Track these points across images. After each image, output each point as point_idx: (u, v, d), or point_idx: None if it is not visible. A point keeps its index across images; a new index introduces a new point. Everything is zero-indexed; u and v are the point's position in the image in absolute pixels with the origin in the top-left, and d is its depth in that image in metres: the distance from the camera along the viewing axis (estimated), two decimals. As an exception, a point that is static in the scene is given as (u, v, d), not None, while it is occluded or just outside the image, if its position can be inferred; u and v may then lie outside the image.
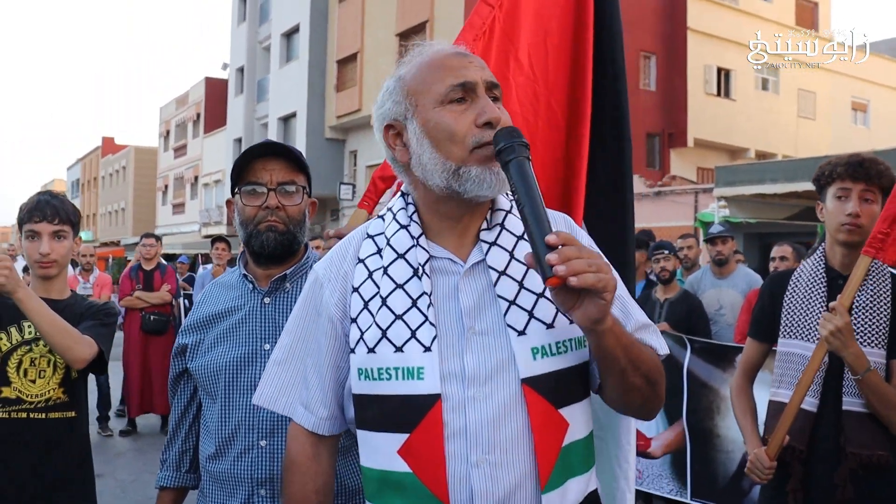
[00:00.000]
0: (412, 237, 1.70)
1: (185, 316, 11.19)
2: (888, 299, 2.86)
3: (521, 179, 1.51)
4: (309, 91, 33.28)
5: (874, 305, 2.86)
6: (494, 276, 1.66)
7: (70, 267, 9.38)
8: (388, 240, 1.72)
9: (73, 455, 3.07)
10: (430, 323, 1.62)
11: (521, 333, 1.62)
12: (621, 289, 1.70)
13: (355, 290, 1.71)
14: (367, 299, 1.69)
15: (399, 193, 1.80)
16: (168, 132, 53.73)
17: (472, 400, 1.60)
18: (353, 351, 1.68)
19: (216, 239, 10.34)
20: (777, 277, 3.23)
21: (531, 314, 1.63)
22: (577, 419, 1.66)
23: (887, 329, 2.84)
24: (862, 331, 2.84)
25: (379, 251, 1.73)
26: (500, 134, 1.57)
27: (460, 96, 1.64)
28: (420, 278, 1.65)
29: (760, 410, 3.16)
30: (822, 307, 2.93)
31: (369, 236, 1.78)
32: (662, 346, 1.78)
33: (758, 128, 29.85)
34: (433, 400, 1.59)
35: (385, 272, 1.69)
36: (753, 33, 29.25)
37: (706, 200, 20.32)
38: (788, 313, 3.03)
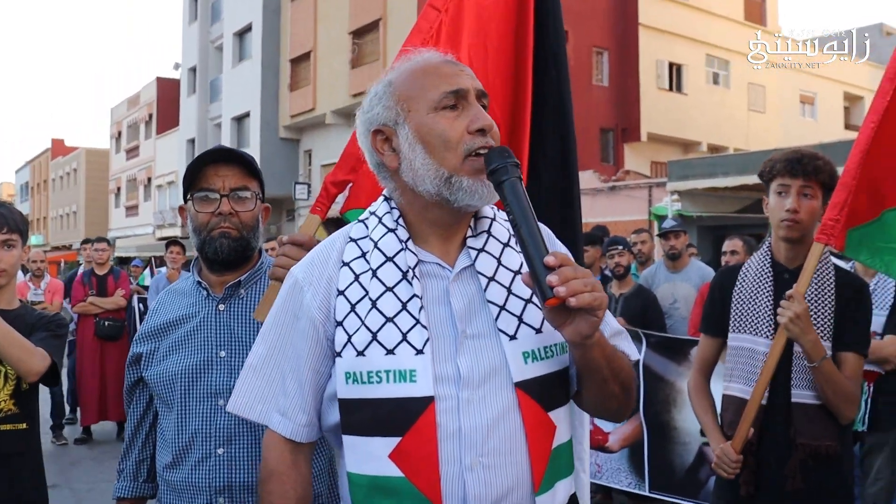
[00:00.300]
0: (400, 241, 1.70)
1: (140, 320, 11.11)
2: (832, 292, 2.92)
3: (515, 200, 1.55)
4: (262, 90, 33.03)
5: (819, 298, 2.92)
6: (484, 281, 1.68)
7: (20, 273, 9.19)
8: (376, 243, 1.71)
9: (27, 468, 3.02)
10: (422, 325, 1.62)
11: (513, 338, 1.65)
12: None
13: (341, 293, 1.69)
14: (353, 302, 1.67)
15: (382, 198, 1.79)
16: (120, 133, 52.96)
17: (467, 403, 1.60)
18: (339, 355, 1.65)
19: (170, 242, 10.24)
20: (726, 272, 3.28)
21: (521, 319, 1.66)
22: (563, 422, 1.70)
23: (832, 321, 2.90)
24: None
25: (364, 255, 1.72)
26: (493, 154, 1.61)
27: (453, 103, 1.66)
28: (410, 282, 1.65)
29: (719, 403, 3.20)
30: (769, 301, 2.98)
31: (352, 240, 1.76)
32: (634, 353, 1.83)
33: (709, 121, 30.24)
34: (426, 402, 1.59)
35: (374, 275, 1.68)
36: (703, 28, 29.72)
37: (660, 194, 20.55)
38: (737, 308, 3.07)
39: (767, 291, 3.01)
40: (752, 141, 30.09)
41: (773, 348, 2.86)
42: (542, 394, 1.65)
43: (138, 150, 49.29)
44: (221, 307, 2.33)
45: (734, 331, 3.06)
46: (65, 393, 9.74)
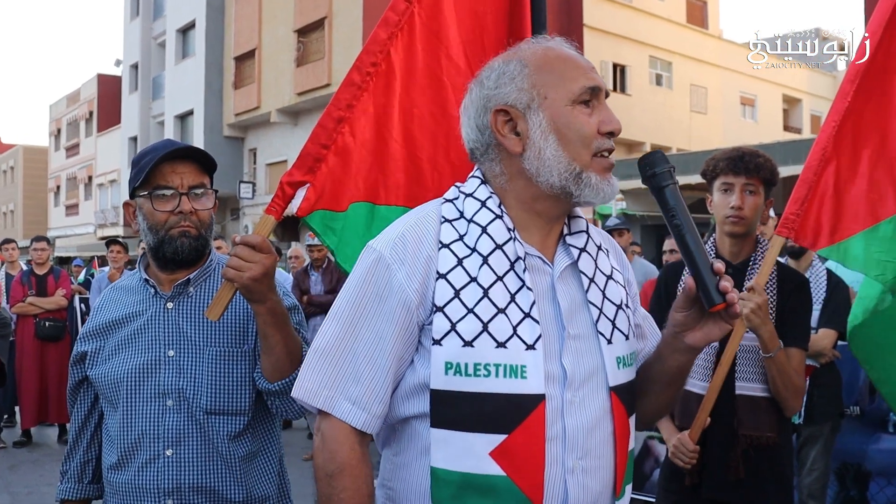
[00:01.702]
0: (508, 229, 1.64)
1: (82, 320, 10.90)
2: (774, 287, 3.01)
3: (679, 206, 1.60)
4: (206, 88, 32.68)
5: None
6: (586, 282, 1.67)
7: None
8: (485, 228, 1.63)
9: None
10: (534, 320, 1.57)
11: (609, 342, 1.65)
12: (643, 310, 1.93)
13: (442, 276, 1.59)
14: (458, 288, 1.58)
15: (477, 180, 1.71)
16: (59, 131, 51.92)
17: (570, 404, 1.59)
18: (438, 343, 1.56)
19: (111, 241, 10.08)
20: (671, 268, 3.35)
21: (614, 324, 1.68)
22: (633, 428, 1.74)
23: (774, 316, 2.98)
24: None
25: (461, 237, 1.63)
26: (655, 158, 1.64)
27: (588, 99, 1.63)
28: (520, 274, 1.60)
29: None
30: None
31: (446, 220, 1.66)
32: None
33: (653, 122, 30.63)
34: (538, 401, 1.54)
35: (485, 262, 1.60)
36: (646, 30, 30.12)
37: (604, 194, 20.75)
38: None
39: None
40: (695, 141, 30.58)
41: (732, 339, 2.90)
42: (629, 399, 1.69)
43: (78, 147, 48.37)
44: (170, 305, 2.28)
45: None
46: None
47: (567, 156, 1.60)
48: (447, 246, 1.62)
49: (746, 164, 3.02)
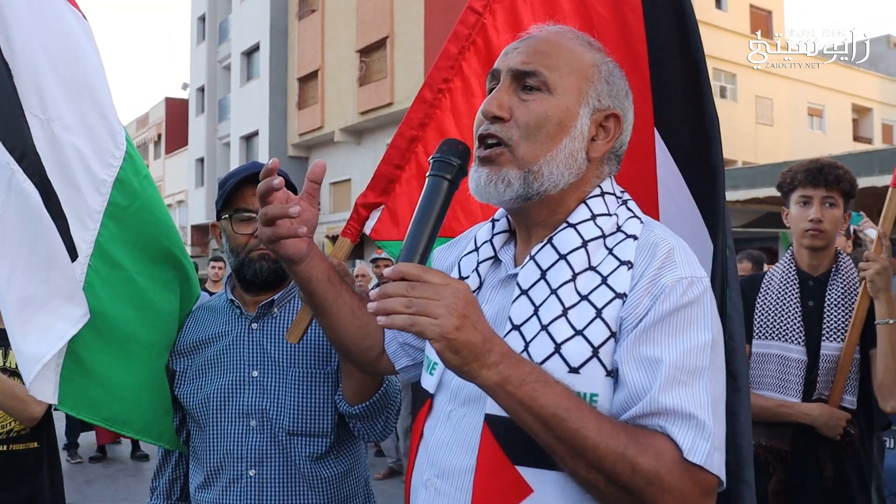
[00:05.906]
0: (491, 233, 1.63)
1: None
2: (857, 295, 2.95)
3: (424, 198, 1.40)
4: (271, 109, 33.24)
5: (845, 302, 2.97)
6: (515, 293, 1.47)
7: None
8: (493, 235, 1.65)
9: (41, 487, 3.02)
10: None
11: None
12: (660, 353, 1.34)
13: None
14: None
15: None
16: (129, 153, 53.28)
17: (448, 417, 1.51)
18: None
19: (214, 258, 10.66)
20: (748, 281, 3.29)
21: (526, 346, 1.42)
22: (552, 491, 1.37)
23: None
24: (835, 327, 2.95)
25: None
26: (442, 144, 1.46)
27: (492, 87, 1.55)
28: (471, 274, 1.60)
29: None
30: (797, 307, 3.02)
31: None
32: (694, 447, 1.29)
33: (717, 135, 30.21)
34: (426, 397, 1.57)
35: (462, 259, 1.66)
36: (710, 41, 29.73)
37: (669, 208, 20.51)
38: (762, 315, 3.09)
39: (794, 298, 3.04)
40: (761, 154, 30.07)
41: (858, 309, 2.88)
42: (513, 441, 1.37)
43: (148, 169, 49.55)
44: (254, 326, 2.29)
45: (760, 338, 3.08)
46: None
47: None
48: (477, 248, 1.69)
49: (826, 177, 2.98)
